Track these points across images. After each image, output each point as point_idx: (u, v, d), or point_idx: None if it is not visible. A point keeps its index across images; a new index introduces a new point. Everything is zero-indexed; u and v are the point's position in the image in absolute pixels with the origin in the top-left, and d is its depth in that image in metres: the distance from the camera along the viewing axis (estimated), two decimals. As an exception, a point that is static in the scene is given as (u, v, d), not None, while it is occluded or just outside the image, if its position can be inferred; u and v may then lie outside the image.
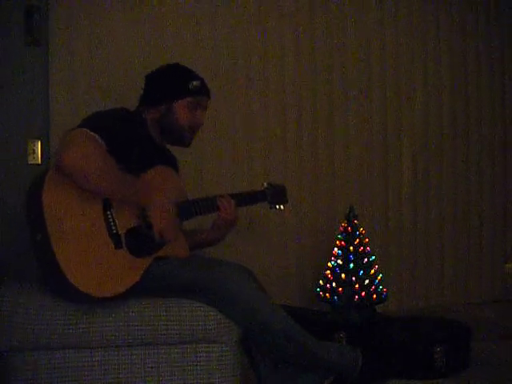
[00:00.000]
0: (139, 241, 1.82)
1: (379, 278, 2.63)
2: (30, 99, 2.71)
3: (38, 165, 2.70)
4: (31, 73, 2.71)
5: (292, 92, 3.16)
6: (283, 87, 3.14)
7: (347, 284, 2.56)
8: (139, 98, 2.11)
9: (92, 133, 1.73)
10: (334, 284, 2.59)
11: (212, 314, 1.80)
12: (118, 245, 1.76)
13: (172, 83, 2.06)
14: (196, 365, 1.82)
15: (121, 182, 1.78)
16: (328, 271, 2.65)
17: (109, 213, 1.77)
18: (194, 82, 2.07)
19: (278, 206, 2.30)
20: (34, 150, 2.70)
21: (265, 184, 2.28)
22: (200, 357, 1.82)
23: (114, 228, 1.77)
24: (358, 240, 2.64)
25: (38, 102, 2.72)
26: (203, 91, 2.10)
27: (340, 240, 2.67)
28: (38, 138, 2.71)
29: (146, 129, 2.04)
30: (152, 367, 1.80)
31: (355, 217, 2.69)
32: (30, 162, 2.70)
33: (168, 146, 2.15)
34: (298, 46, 3.17)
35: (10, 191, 2.59)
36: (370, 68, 3.31)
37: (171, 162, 2.15)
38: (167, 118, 2.04)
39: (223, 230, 2.11)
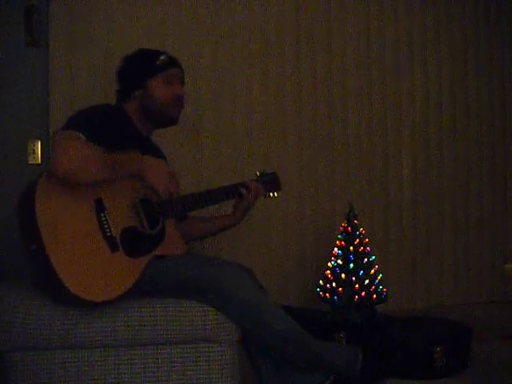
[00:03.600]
0: (135, 241, 1.82)
1: (379, 278, 2.63)
2: (30, 99, 2.71)
3: (38, 165, 2.70)
4: (31, 73, 2.71)
5: (292, 91, 3.16)
6: (283, 87, 3.14)
7: (347, 284, 2.56)
8: (115, 96, 2.11)
9: (75, 132, 1.73)
10: (333, 284, 2.59)
11: (212, 314, 1.80)
12: (113, 247, 1.76)
13: (139, 66, 2.07)
14: (196, 365, 1.82)
15: (113, 167, 1.76)
16: (328, 271, 2.65)
17: (102, 215, 1.76)
18: (161, 57, 2.08)
19: (271, 194, 2.31)
20: (34, 150, 2.70)
21: (257, 173, 2.29)
22: (200, 357, 1.82)
23: (108, 230, 1.76)
24: (358, 240, 2.63)
25: (38, 102, 2.72)
26: (172, 63, 2.10)
27: (340, 240, 2.67)
28: (38, 138, 2.71)
29: (131, 123, 2.03)
30: (152, 367, 1.80)
31: (355, 217, 2.69)
32: (30, 162, 2.70)
33: (159, 136, 2.15)
34: (298, 41, 3.16)
35: (10, 191, 2.58)
36: (370, 66, 3.31)
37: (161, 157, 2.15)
38: (147, 100, 2.04)
39: (243, 214, 2.21)
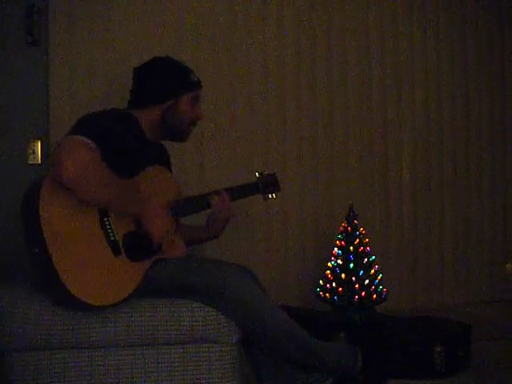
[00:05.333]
0: (137, 245, 1.82)
1: (379, 278, 2.63)
2: (30, 99, 2.70)
3: (38, 165, 2.70)
4: (31, 73, 2.71)
5: (292, 91, 3.16)
6: (283, 87, 3.14)
7: (347, 284, 2.56)
8: (132, 96, 2.07)
9: (87, 140, 1.70)
10: (334, 284, 2.59)
11: (212, 314, 1.81)
12: (116, 252, 1.76)
13: (174, 79, 2.03)
14: (196, 365, 1.82)
15: (119, 193, 1.77)
16: (328, 271, 2.65)
17: (106, 219, 1.77)
18: (193, 75, 2.08)
19: (271, 195, 2.31)
20: (33, 150, 2.70)
21: (256, 174, 2.29)
22: (200, 357, 1.82)
23: (111, 235, 1.76)
24: (357, 240, 2.63)
25: (38, 102, 2.71)
26: (201, 84, 2.12)
27: (340, 240, 2.67)
28: (38, 138, 2.71)
29: (138, 127, 2.00)
30: (152, 367, 1.80)
31: (355, 217, 2.68)
32: (29, 162, 2.70)
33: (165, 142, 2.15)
34: (299, 40, 3.16)
35: (10, 191, 2.59)
36: (370, 65, 3.30)
37: (164, 159, 2.14)
38: (171, 114, 2.03)
39: (218, 227, 2.11)
